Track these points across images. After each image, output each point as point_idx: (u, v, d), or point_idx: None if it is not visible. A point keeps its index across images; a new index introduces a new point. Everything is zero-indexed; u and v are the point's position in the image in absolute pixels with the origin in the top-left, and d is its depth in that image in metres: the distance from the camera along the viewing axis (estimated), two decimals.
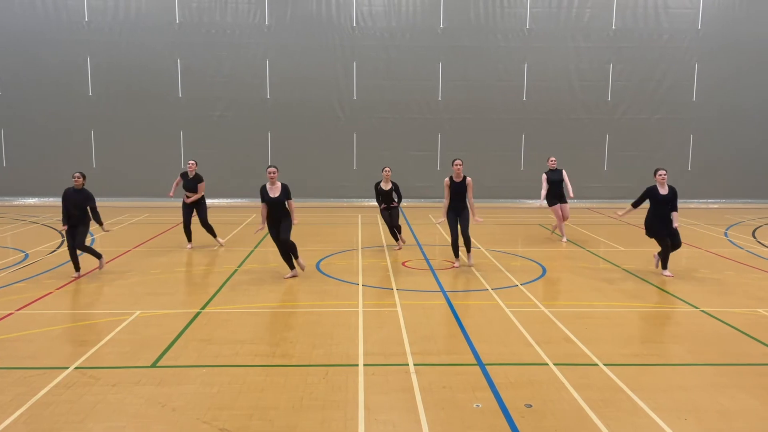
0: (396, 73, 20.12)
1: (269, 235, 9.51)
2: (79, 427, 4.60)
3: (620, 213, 10.16)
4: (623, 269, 10.22)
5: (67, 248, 9.54)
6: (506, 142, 20.44)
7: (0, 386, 5.29)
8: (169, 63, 19.87)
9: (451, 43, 20.12)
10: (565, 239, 12.96)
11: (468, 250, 10.40)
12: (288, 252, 9.40)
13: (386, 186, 11.88)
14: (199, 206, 12.00)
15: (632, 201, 9.96)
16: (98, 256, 9.62)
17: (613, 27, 20.15)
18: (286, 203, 9.23)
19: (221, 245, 12.11)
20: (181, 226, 12.12)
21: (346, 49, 20.07)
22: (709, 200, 20.78)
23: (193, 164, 12.06)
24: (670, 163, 20.09)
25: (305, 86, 20.02)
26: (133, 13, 19.64)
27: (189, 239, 12.06)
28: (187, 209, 12.00)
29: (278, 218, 9.26)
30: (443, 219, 10.17)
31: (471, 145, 19.97)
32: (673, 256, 11.48)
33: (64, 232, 9.48)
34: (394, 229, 11.91)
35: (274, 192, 9.22)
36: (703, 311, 7.75)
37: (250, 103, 20.11)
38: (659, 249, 9.88)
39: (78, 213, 9.27)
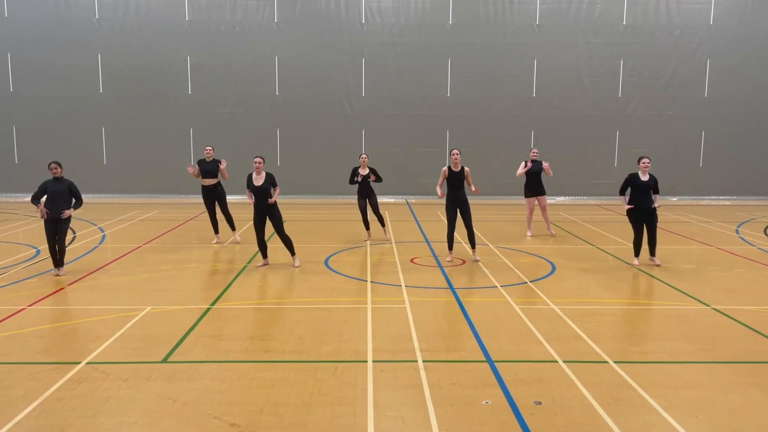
0: (404, 70, 20.08)
1: (256, 223, 9.83)
2: (91, 421, 4.64)
3: (625, 207, 10.23)
4: (633, 266, 10.16)
5: (47, 242, 9.21)
6: (515, 139, 20.34)
7: (12, 381, 5.34)
8: (178, 60, 19.94)
9: (460, 40, 20.05)
10: (530, 233, 13.09)
11: (473, 246, 10.43)
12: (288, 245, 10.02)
13: (363, 171, 12.14)
14: (219, 195, 11.97)
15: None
16: (62, 263, 9.29)
17: (624, 23, 20.01)
18: (271, 190, 9.75)
19: (238, 242, 12.12)
20: (190, 222, 12.14)
21: (355, 46, 20.06)
22: (721, 197, 20.62)
23: (210, 150, 12.04)
24: (681, 159, 20.09)
25: (314, 83, 20.03)
26: (143, 10, 19.73)
27: (216, 230, 12.13)
28: (209, 201, 11.96)
29: (263, 208, 9.71)
30: (441, 192, 10.40)
31: (479, 142, 19.92)
32: (684, 253, 11.41)
33: (43, 215, 9.07)
34: (379, 219, 12.41)
35: (258, 180, 9.68)
36: (714, 309, 7.70)
37: (259, 100, 20.14)
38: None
39: (60, 203, 9.10)
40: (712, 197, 20.53)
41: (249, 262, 10.35)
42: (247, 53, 19.98)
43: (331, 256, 10.91)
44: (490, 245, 11.91)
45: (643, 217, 10.03)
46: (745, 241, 12.88)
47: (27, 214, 16.22)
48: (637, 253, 10.25)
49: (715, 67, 20.16)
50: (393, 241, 12.43)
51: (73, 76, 19.81)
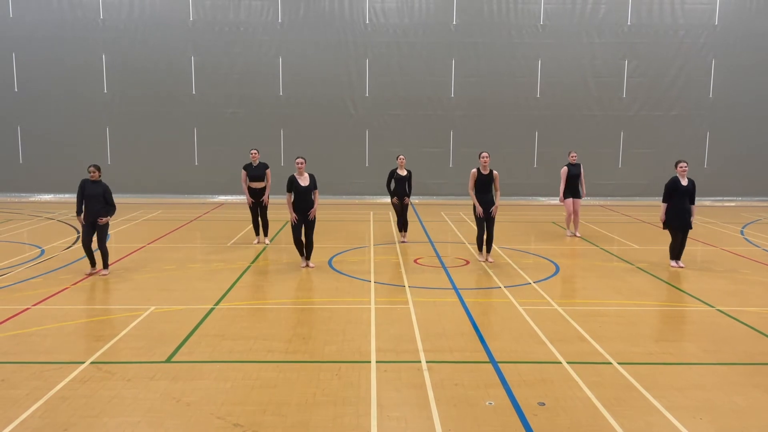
0: (408, 70, 20.08)
1: (293, 225, 9.79)
2: (95, 421, 4.65)
3: (662, 217, 10.05)
4: (637, 267, 10.15)
5: (81, 244, 9.49)
6: (519, 139, 20.34)
7: (17, 380, 5.36)
8: (182, 60, 19.98)
9: (464, 40, 20.04)
10: (569, 233, 13.21)
11: (488, 250, 10.48)
12: (309, 248, 10.04)
13: (402, 172, 12.15)
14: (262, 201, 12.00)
15: (661, 199, 10.14)
16: (106, 265, 9.49)
17: (629, 23, 19.96)
18: (312, 193, 9.72)
19: (266, 244, 12.07)
20: (194, 222, 12.13)
21: (359, 46, 20.07)
22: (725, 198, 20.55)
23: (255, 152, 12.05)
24: (685, 160, 19.97)
25: (318, 83, 20.06)
26: (147, 10, 19.78)
27: (257, 233, 12.16)
28: (255, 204, 11.94)
29: (304, 210, 9.71)
30: (479, 208, 10.13)
31: (484, 142, 19.76)
32: (689, 254, 11.37)
33: (80, 225, 9.47)
34: (403, 222, 12.32)
35: (304, 181, 9.66)
36: (718, 310, 7.67)
37: (263, 100, 20.18)
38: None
39: (97, 207, 9.27)
40: (717, 198, 20.45)
41: (253, 262, 10.37)
42: (251, 53, 20.01)
43: (334, 256, 10.92)
44: (494, 246, 11.89)
45: (682, 226, 9.92)
46: (749, 242, 12.83)
47: (31, 214, 16.27)
48: (673, 257, 10.17)
49: (720, 68, 20.10)
50: (396, 241, 12.43)
51: (77, 76, 19.87)
